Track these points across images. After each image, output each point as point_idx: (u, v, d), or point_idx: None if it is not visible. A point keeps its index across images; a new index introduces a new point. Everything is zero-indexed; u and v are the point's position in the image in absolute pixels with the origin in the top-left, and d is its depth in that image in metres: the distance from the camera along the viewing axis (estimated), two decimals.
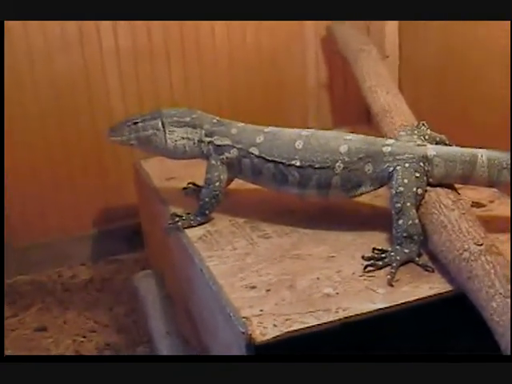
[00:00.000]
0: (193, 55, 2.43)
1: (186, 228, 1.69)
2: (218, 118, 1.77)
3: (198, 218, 1.71)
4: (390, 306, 1.33)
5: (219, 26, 2.42)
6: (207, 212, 1.71)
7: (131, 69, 2.38)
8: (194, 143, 1.74)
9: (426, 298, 1.36)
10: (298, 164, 1.62)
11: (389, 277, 1.41)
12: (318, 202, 1.68)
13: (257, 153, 1.67)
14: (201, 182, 1.84)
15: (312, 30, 2.53)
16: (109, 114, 2.37)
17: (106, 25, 2.29)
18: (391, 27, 2.48)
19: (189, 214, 1.72)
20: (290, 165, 1.63)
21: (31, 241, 2.43)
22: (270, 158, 1.65)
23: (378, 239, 1.58)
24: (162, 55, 2.40)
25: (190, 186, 1.93)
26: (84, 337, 2.10)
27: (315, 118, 2.65)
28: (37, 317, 2.20)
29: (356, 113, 2.62)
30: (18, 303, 2.28)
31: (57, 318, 2.19)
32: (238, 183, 1.79)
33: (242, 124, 1.74)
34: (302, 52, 2.56)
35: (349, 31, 2.40)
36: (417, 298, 1.36)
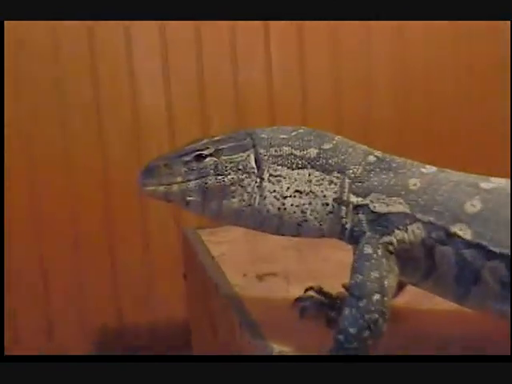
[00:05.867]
0: None
1: None
2: (377, 151, 0.93)
3: None
4: None
5: None
6: (360, 351, 0.80)
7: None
8: (326, 204, 0.86)
9: None
10: None
11: None
12: None
13: (468, 235, 0.79)
14: (326, 285, 1.02)
15: None
16: None
17: None
18: None
19: None
20: None
21: None
22: (496, 249, 0.77)
23: None
24: None
25: (311, 293, 1.03)
26: None
27: None
28: None
29: None
30: None
31: None
32: None
33: (433, 168, 0.89)
34: None
35: None
36: None
